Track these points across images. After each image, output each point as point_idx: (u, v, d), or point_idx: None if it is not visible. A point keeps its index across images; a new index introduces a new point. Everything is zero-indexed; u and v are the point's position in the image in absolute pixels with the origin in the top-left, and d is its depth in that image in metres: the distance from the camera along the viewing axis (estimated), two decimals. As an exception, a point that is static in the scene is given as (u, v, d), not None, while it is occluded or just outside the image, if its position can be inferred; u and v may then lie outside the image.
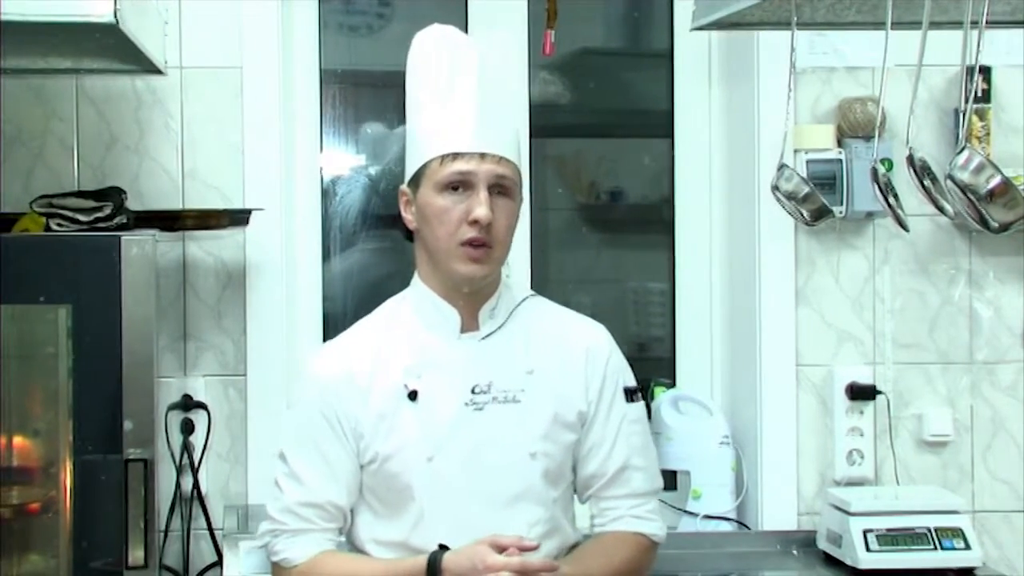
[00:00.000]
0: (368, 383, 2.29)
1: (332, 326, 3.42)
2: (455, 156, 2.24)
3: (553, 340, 2.36)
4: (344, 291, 3.48)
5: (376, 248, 3.51)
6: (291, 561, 2.29)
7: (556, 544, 2.33)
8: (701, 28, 2.54)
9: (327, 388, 2.30)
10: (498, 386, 2.29)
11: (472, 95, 2.28)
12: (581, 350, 2.36)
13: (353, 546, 2.37)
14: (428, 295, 2.32)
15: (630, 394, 2.40)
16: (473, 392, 2.28)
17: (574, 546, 2.38)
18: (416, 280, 2.36)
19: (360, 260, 3.50)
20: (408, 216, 2.33)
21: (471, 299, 2.31)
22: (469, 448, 2.26)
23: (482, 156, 2.24)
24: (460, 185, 2.24)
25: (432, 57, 2.32)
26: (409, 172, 2.33)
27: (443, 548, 2.21)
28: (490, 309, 2.33)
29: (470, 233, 2.23)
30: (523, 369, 2.31)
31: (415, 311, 2.34)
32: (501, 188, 2.26)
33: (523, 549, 2.15)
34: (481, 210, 2.22)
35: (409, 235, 2.37)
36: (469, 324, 2.32)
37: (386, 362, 2.30)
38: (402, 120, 3.52)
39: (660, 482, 2.47)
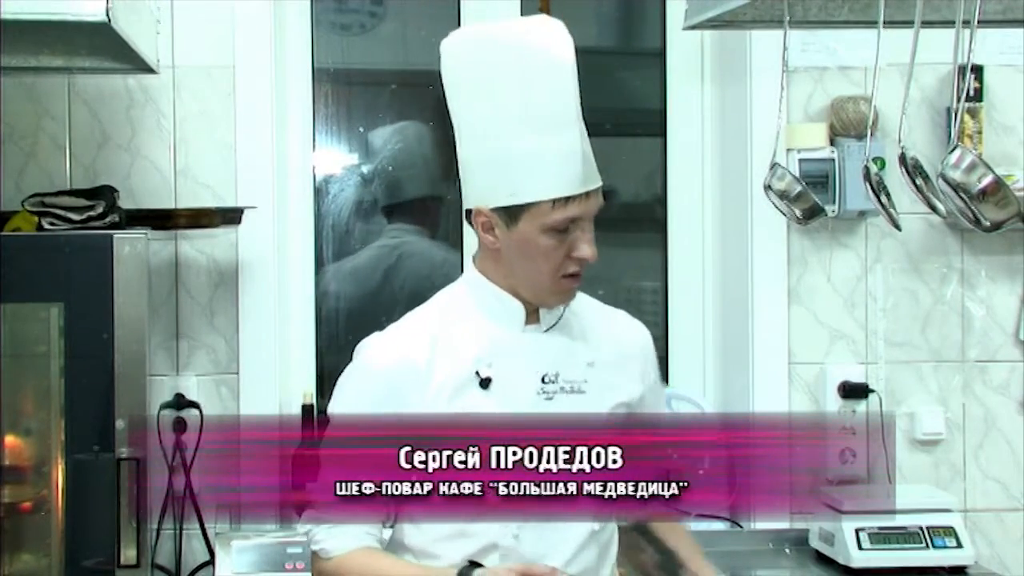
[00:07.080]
0: (428, 371, 2.24)
1: (324, 325, 3.42)
2: (567, 200, 2.18)
3: (608, 335, 2.37)
4: (337, 289, 3.48)
5: (369, 246, 3.51)
6: (328, 552, 2.26)
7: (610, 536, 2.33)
8: (694, 27, 2.55)
9: (380, 378, 2.25)
10: (564, 377, 2.28)
11: (571, 123, 2.20)
12: (638, 348, 2.40)
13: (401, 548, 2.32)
14: (490, 287, 2.29)
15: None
16: (543, 381, 2.27)
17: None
18: (476, 272, 2.32)
19: (353, 258, 3.50)
20: (491, 238, 2.24)
21: None
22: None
23: (587, 195, 2.20)
24: (568, 226, 2.21)
25: (502, 64, 2.22)
26: (497, 198, 2.21)
27: (473, 564, 2.18)
28: None
29: (572, 268, 2.22)
30: (584, 361, 2.30)
31: (476, 302, 2.31)
32: None
33: None
34: (587, 250, 2.21)
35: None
36: (530, 317, 2.31)
37: (448, 350, 2.26)
38: (396, 118, 3.57)
39: None
